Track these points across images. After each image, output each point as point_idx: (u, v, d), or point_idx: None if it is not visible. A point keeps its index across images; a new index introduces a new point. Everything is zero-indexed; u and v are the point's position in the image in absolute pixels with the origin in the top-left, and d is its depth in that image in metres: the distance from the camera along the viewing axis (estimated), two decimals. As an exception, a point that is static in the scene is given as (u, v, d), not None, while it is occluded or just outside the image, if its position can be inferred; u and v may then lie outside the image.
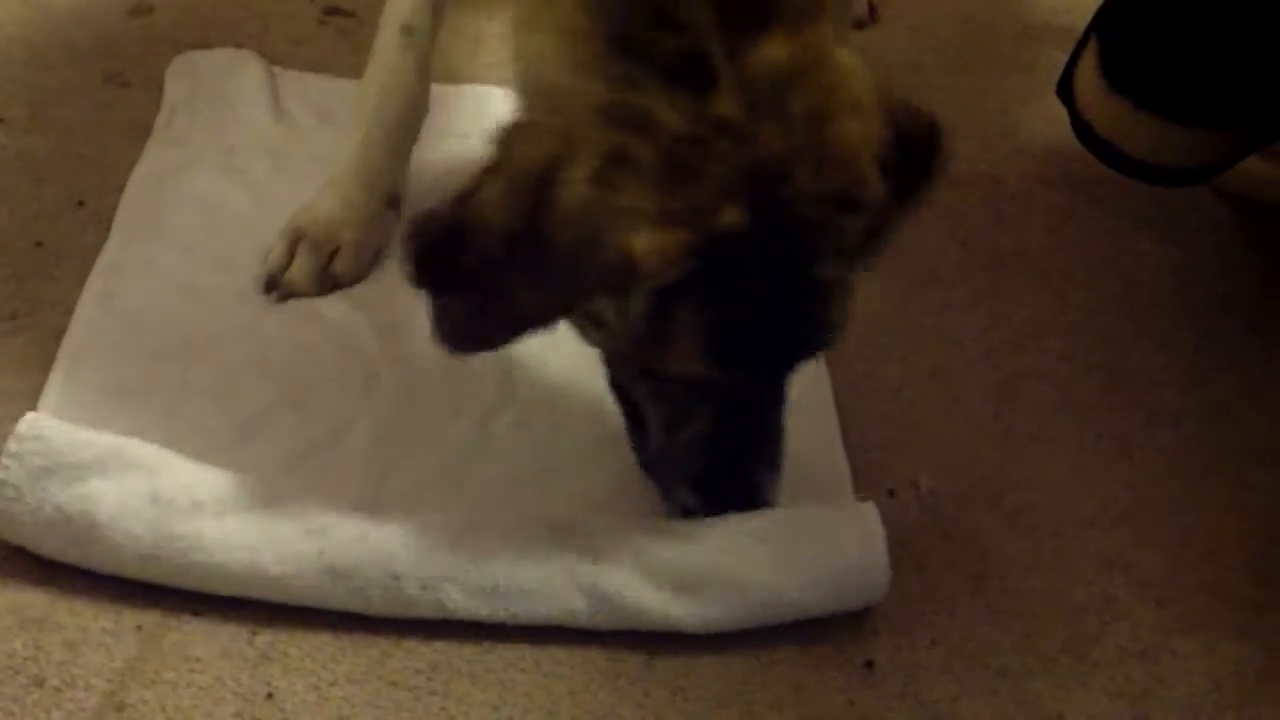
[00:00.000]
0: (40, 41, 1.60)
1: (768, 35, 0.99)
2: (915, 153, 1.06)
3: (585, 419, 1.24)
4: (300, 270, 1.32)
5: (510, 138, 1.02)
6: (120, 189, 1.41)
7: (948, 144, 1.08)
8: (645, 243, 0.96)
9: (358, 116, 1.36)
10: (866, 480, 1.24)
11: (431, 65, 1.37)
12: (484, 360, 1.17)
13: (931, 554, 1.20)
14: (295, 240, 1.33)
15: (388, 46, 1.35)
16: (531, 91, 1.07)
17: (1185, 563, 1.21)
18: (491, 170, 1.01)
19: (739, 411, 1.09)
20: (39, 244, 1.36)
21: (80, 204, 1.41)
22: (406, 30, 1.34)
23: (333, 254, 1.33)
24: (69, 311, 1.28)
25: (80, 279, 1.31)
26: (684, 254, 0.97)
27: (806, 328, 1.05)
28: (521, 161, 1.00)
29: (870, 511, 1.14)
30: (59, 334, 1.26)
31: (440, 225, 1.01)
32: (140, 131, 1.48)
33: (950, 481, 1.26)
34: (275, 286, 1.32)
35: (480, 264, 1.00)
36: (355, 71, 1.42)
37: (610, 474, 1.20)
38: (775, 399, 1.11)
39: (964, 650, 1.13)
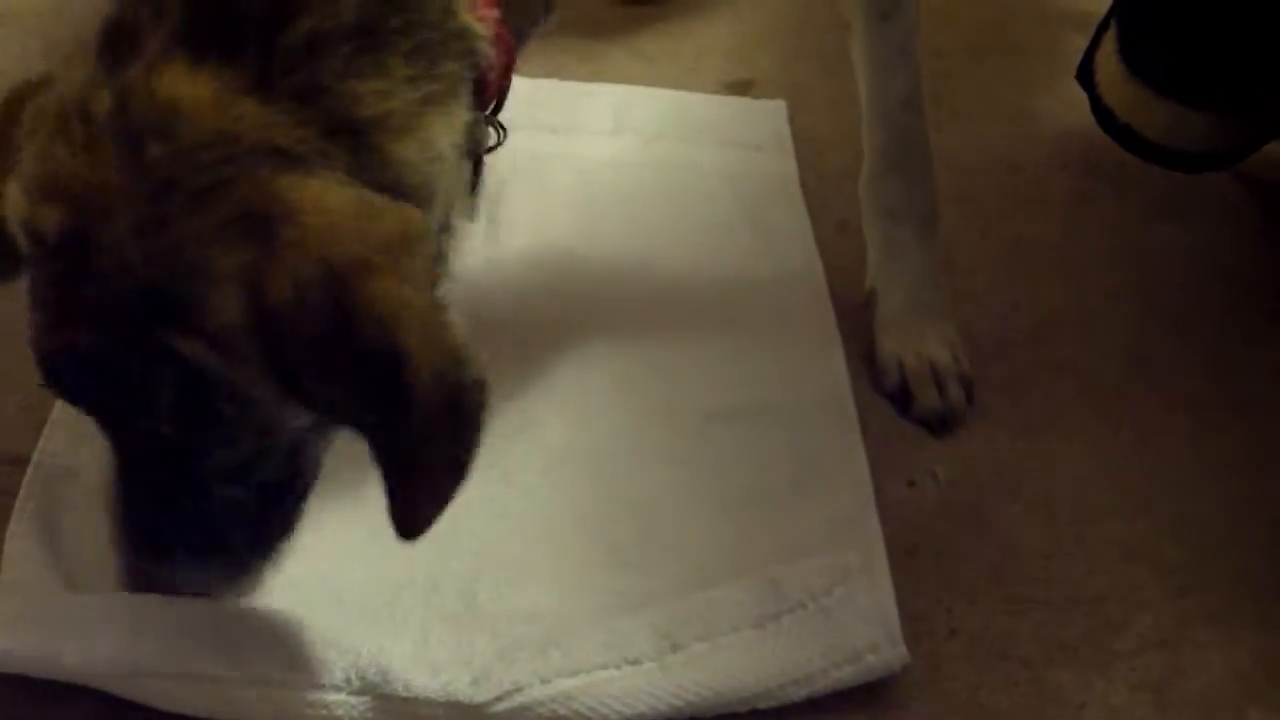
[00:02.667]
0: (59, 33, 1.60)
1: (205, 70, 0.83)
2: (381, 393, 0.82)
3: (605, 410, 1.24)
4: None
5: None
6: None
7: (470, 424, 0.85)
8: (8, 196, 0.86)
9: None
10: (885, 471, 1.23)
11: None
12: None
13: (950, 544, 1.19)
14: None
15: None
16: None
17: (1207, 552, 1.20)
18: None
19: (119, 464, 0.94)
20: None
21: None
22: None
23: None
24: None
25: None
26: (21, 228, 0.85)
27: (122, 395, 0.87)
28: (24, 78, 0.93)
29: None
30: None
31: None
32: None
33: (969, 471, 1.25)
34: None
35: None
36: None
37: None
38: (159, 477, 0.92)
39: (983, 640, 1.13)
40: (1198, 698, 1.10)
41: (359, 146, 0.86)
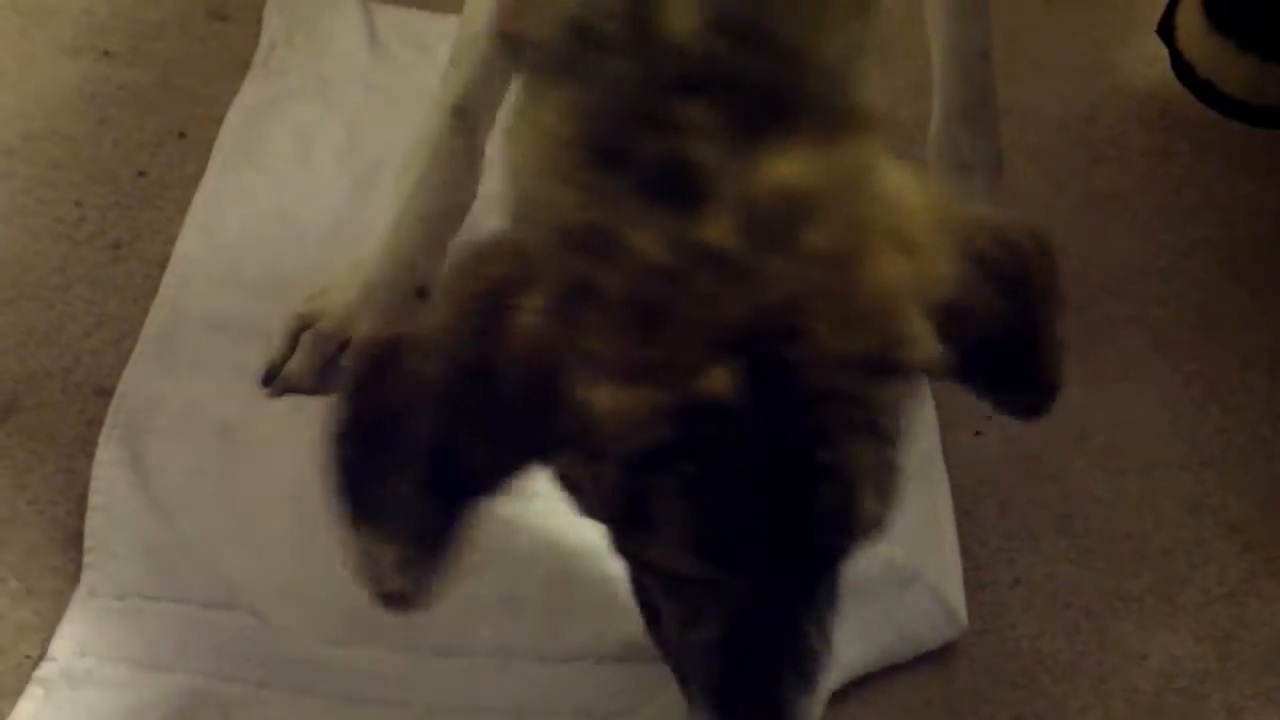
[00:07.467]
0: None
1: (783, 145, 0.77)
2: (1011, 288, 0.84)
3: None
4: (300, 363, 1.20)
5: (472, 256, 0.82)
6: (220, 120, 1.44)
7: (1056, 267, 0.87)
8: (607, 399, 0.76)
9: (395, 195, 1.22)
10: (952, 421, 1.24)
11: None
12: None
13: (1016, 493, 1.20)
14: (299, 329, 1.21)
15: (434, 127, 1.20)
16: (514, 207, 0.86)
17: (1274, 507, 1.20)
18: (446, 290, 0.83)
19: (756, 619, 0.84)
20: (142, 173, 1.39)
21: (182, 135, 1.43)
22: (459, 113, 1.19)
23: (343, 346, 1.20)
24: (171, 240, 1.31)
25: (182, 208, 1.34)
26: (656, 419, 0.76)
27: (822, 523, 0.79)
28: (475, 282, 0.80)
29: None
30: (161, 262, 1.30)
31: (381, 348, 0.82)
32: (240, 65, 1.50)
33: (1037, 422, 1.25)
34: (273, 379, 1.21)
35: (419, 402, 0.79)
36: (451, 6, 1.43)
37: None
38: (804, 604, 0.84)
39: (1046, 589, 1.13)
40: (1262, 651, 1.10)
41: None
